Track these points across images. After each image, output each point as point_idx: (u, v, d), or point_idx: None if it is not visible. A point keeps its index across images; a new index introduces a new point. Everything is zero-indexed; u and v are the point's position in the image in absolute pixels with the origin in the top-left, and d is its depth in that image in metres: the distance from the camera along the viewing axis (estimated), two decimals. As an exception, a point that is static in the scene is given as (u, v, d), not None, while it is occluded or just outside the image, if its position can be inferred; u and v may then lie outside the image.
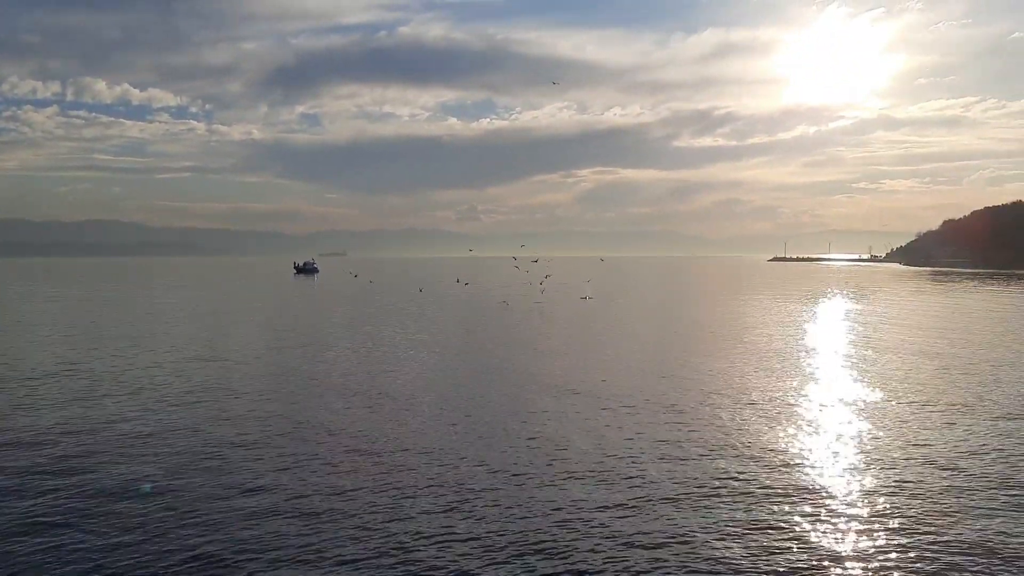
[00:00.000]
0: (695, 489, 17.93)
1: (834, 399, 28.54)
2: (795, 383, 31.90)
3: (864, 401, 28.04)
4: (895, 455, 20.70)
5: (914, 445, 21.72)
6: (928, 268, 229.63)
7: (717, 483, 18.38)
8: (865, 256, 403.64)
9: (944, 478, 18.77)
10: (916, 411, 26.24)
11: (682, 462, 20.05)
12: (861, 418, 25.31)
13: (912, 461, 20.13)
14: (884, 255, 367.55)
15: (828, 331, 53.92)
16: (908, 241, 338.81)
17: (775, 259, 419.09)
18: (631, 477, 18.86)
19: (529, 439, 22.42)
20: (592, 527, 15.67)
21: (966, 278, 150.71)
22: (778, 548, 14.69)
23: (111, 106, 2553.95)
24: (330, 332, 52.49)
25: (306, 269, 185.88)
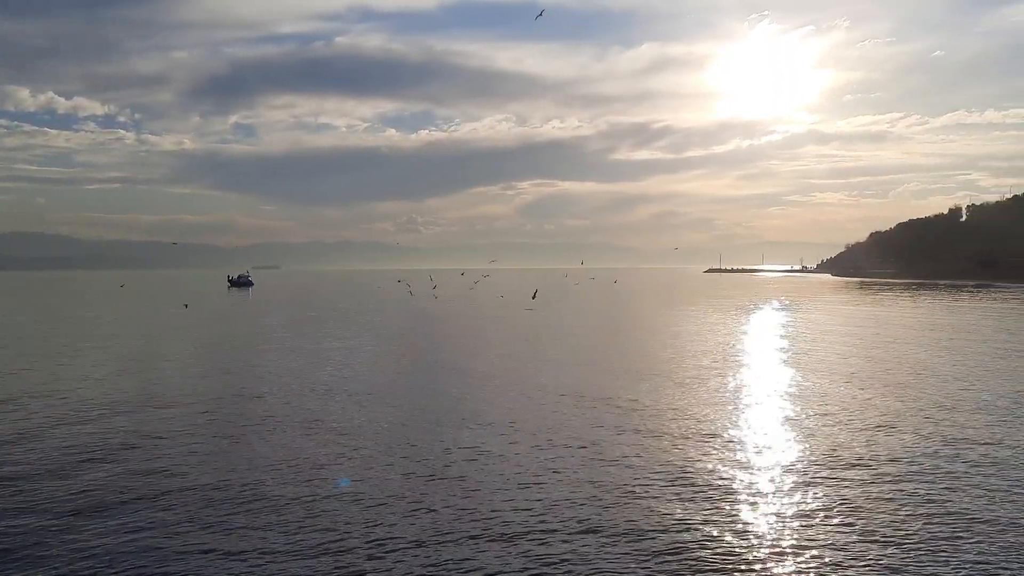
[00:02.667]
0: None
1: (763, 401, 28.91)
2: (724, 386, 32.15)
3: (795, 401, 28.44)
4: (825, 457, 20.97)
5: (836, 448, 22.00)
6: (856, 278, 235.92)
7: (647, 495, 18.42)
8: (797, 267, 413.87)
9: (871, 478, 19.02)
10: (838, 414, 26.62)
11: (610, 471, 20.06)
12: (791, 418, 25.57)
13: (836, 460, 20.47)
14: (815, 266, 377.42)
15: (759, 339, 54.73)
16: (837, 252, 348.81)
17: (710, 270, 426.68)
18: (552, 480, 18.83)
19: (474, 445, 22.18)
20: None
21: (891, 288, 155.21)
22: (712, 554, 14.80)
23: (35, 115, 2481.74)
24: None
25: (240, 282, 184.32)
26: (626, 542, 15.44)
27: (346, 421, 26.65)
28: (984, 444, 22.76)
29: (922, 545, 15.23)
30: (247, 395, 31.90)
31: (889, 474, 19.80)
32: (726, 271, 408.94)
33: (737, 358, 43.83)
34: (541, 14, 45.39)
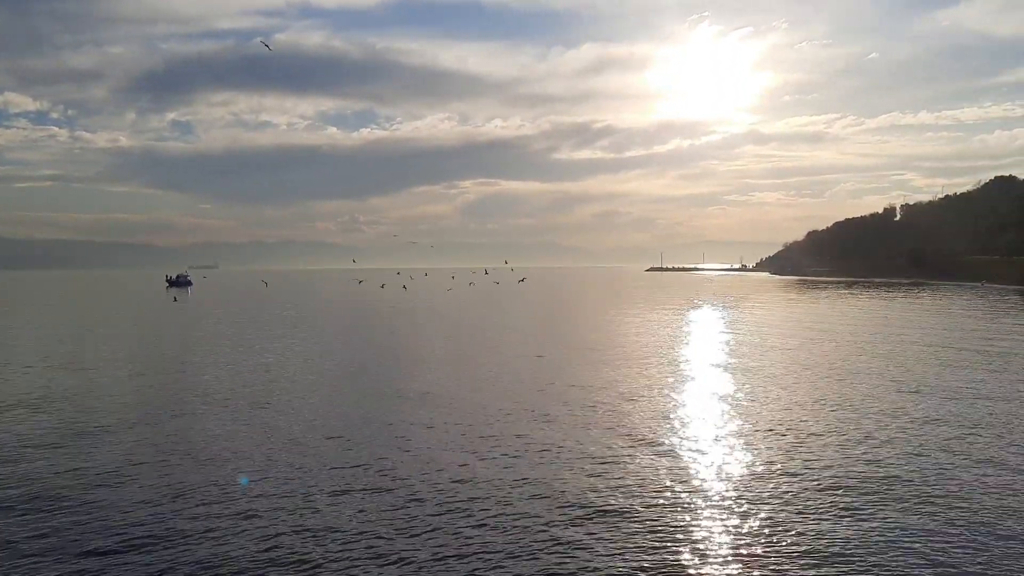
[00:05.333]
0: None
1: (705, 398, 29.27)
2: (665, 381, 32.47)
3: (735, 399, 28.76)
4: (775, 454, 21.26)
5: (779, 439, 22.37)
6: (794, 277, 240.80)
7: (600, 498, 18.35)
8: (736, 265, 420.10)
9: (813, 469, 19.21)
10: (775, 410, 27.08)
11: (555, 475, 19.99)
12: (732, 416, 25.87)
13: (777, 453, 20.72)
14: (753, 265, 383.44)
15: (698, 335, 55.35)
16: (776, 251, 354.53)
17: (652, 269, 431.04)
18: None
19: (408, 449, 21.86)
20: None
21: (827, 286, 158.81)
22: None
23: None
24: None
25: (179, 282, 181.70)
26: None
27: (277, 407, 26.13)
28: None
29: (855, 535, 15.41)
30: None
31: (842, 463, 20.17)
32: (667, 270, 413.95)
33: (686, 359, 44.30)
34: (268, 47, 50.94)
